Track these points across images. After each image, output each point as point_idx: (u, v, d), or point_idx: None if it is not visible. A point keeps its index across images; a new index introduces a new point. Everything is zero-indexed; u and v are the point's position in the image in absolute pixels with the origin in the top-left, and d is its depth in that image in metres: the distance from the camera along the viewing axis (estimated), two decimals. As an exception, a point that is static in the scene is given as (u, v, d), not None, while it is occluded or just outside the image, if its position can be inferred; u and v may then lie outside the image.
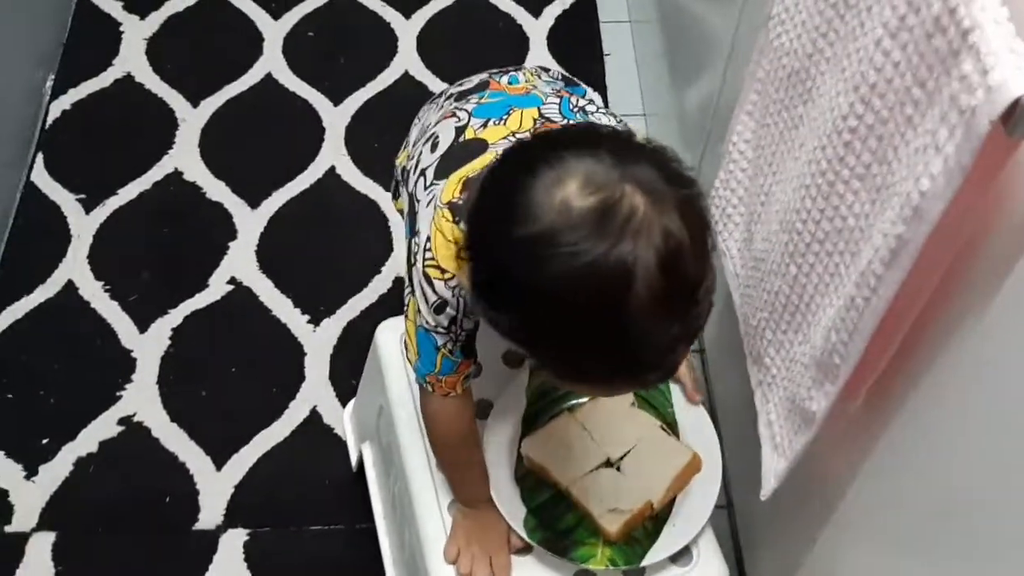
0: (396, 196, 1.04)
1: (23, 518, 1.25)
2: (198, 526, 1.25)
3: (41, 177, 1.53)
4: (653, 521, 0.94)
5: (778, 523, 1.05)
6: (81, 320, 1.40)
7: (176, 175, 1.55)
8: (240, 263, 1.46)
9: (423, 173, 0.85)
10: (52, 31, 1.68)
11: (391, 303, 1.42)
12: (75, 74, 1.65)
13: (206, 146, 1.58)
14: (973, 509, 0.64)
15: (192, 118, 1.61)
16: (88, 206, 1.51)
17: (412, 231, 0.84)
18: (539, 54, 1.70)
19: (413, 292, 0.82)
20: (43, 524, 1.24)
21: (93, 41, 1.69)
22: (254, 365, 1.38)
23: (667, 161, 0.67)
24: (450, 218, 0.78)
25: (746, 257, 0.91)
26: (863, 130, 0.66)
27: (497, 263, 0.68)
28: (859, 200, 0.69)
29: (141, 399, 1.34)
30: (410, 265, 0.82)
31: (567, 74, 1.02)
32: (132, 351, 1.38)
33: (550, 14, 1.76)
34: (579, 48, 1.71)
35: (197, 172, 1.55)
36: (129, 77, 1.65)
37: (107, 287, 1.43)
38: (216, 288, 1.44)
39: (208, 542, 1.24)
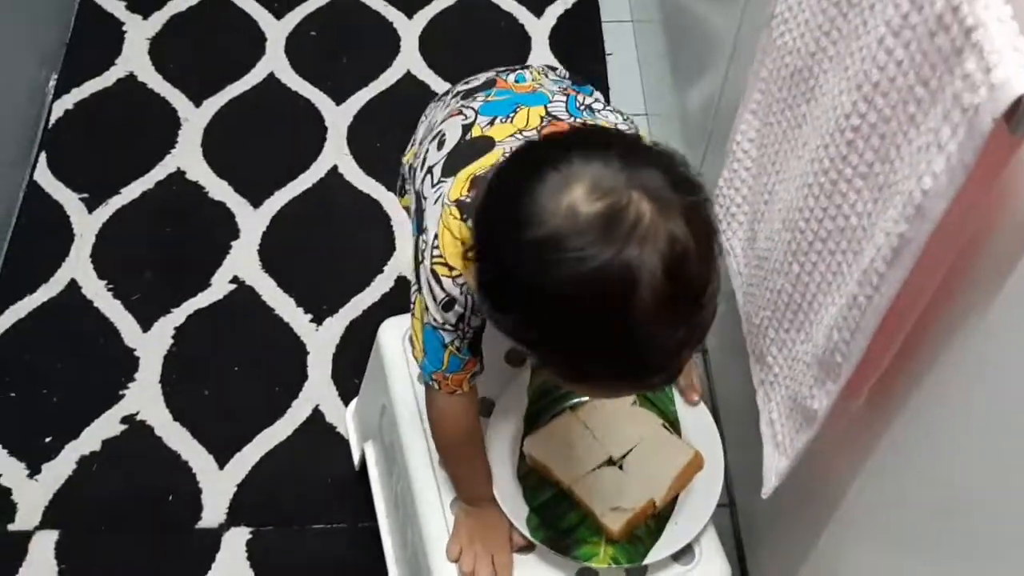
0: (402, 193, 1.04)
1: (26, 516, 1.25)
2: (201, 524, 1.25)
3: (44, 176, 1.54)
4: (655, 519, 0.94)
5: (780, 522, 1.05)
6: (84, 319, 1.40)
7: (179, 174, 1.55)
8: (243, 262, 1.46)
9: (430, 171, 0.85)
10: (55, 31, 1.68)
11: (393, 302, 1.42)
12: (78, 73, 1.65)
13: (209, 145, 1.58)
14: (975, 508, 0.64)
15: (195, 117, 1.61)
16: (91, 205, 1.51)
17: (419, 229, 0.84)
18: (541, 54, 1.71)
19: (420, 290, 0.82)
20: (46, 522, 1.25)
21: (96, 41, 1.69)
22: (257, 364, 1.38)
23: (674, 165, 0.67)
24: (458, 216, 0.78)
25: (749, 256, 0.91)
26: (866, 128, 0.66)
27: (503, 265, 0.68)
28: (862, 199, 0.69)
29: (144, 398, 1.34)
30: (417, 263, 0.82)
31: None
32: (135, 350, 1.38)
33: (552, 14, 1.76)
34: (581, 48, 1.71)
35: (200, 171, 1.55)
36: (132, 77, 1.65)
37: (110, 286, 1.43)
38: (219, 287, 1.44)
39: (211, 541, 1.24)
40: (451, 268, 0.78)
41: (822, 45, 0.74)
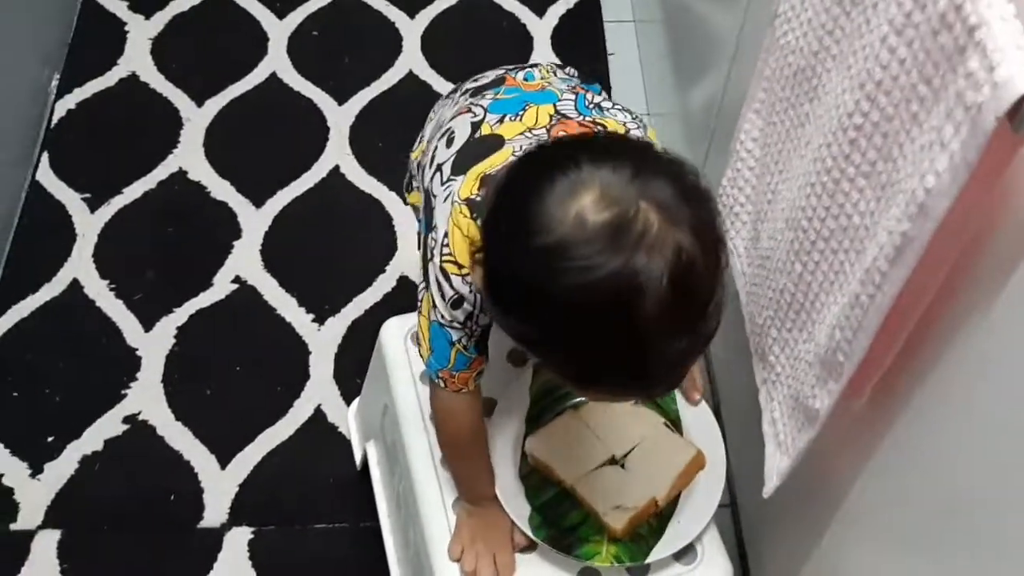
0: (409, 190, 1.04)
1: (28, 516, 1.25)
2: (203, 524, 1.25)
3: (46, 176, 1.54)
4: (657, 518, 0.94)
5: (783, 521, 1.05)
6: (86, 319, 1.40)
7: (181, 174, 1.55)
8: (245, 262, 1.46)
9: (439, 169, 0.85)
10: (57, 31, 1.68)
11: (395, 302, 1.42)
12: (80, 73, 1.65)
13: (211, 145, 1.58)
14: (978, 507, 0.64)
15: (197, 117, 1.61)
16: (93, 205, 1.51)
17: (428, 227, 0.84)
18: (543, 54, 1.71)
19: (428, 287, 0.82)
20: (48, 522, 1.25)
21: (98, 41, 1.69)
22: (259, 364, 1.38)
23: (684, 175, 0.67)
24: (467, 214, 0.78)
25: (752, 255, 0.91)
26: (869, 127, 0.66)
27: (510, 269, 0.69)
28: (864, 198, 0.69)
29: (146, 397, 1.34)
30: (426, 260, 0.82)
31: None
32: (137, 350, 1.38)
33: (554, 13, 1.76)
34: (583, 48, 1.71)
35: (202, 171, 1.55)
36: (134, 76, 1.65)
37: (112, 286, 1.44)
38: (221, 287, 1.44)
39: (213, 540, 1.24)
40: (460, 266, 0.79)
41: (825, 44, 0.74)
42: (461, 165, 0.83)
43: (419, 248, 1.45)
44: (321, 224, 1.51)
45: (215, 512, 1.26)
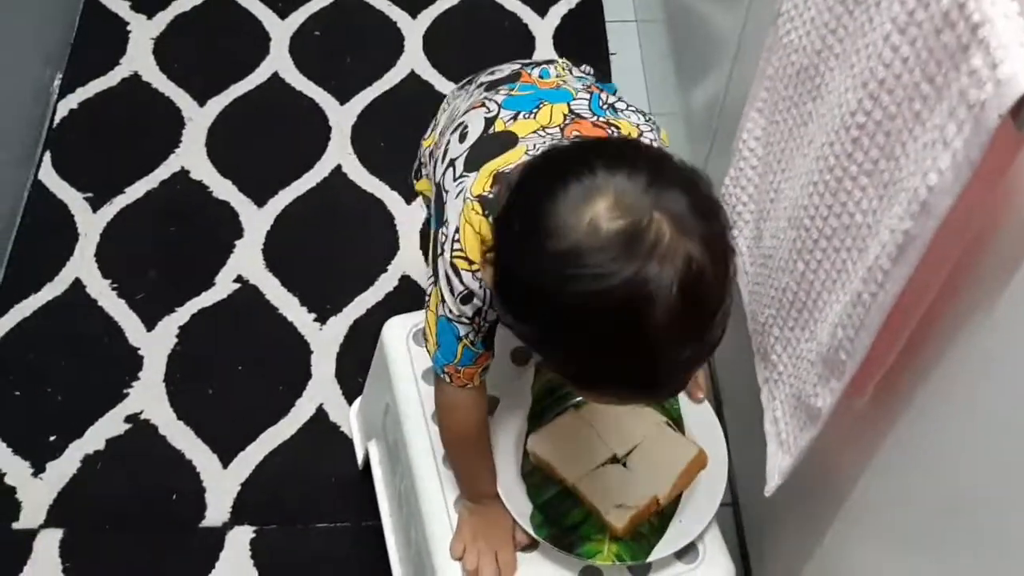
0: (418, 177, 1.04)
1: (31, 515, 1.25)
2: (205, 523, 1.26)
3: (49, 176, 1.54)
4: (659, 517, 0.94)
5: (784, 520, 1.05)
6: (88, 318, 1.41)
7: (183, 174, 1.55)
8: (247, 261, 1.47)
9: (452, 164, 0.85)
10: (60, 30, 1.68)
11: (397, 301, 1.42)
12: (82, 73, 1.65)
13: (213, 145, 1.58)
14: (981, 505, 0.65)
15: (199, 117, 1.61)
16: (95, 205, 1.51)
17: (439, 222, 0.84)
18: (545, 54, 1.71)
19: (437, 282, 0.82)
20: (50, 521, 1.25)
21: (101, 40, 1.70)
22: (261, 363, 1.38)
23: (698, 186, 0.68)
24: (480, 211, 0.78)
25: (755, 254, 0.91)
26: (871, 126, 0.66)
27: (521, 271, 0.69)
28: (867, 196, 0.69)
29: (148, 397, 1.34)
30: (436, 255, 0.83)
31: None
32: (139, 349, 1.38)
33: (556, 13, 1.76)
34: (585, 48, 1.71)
35: (204, 171, 1.56)
36: (136, 76, 1.66)
37: (114, 285, 1.44)
38: (223, 286, 1.44)
39: (215, 539, 1.24)
40: (471, 262, 0.79)
41: (828, 43, 0.74)
42: (474, 161, 0.83)
43: (421, 247, 1.47)
44: (323, 224, 1.51)
45: (217, 511, 1.26)
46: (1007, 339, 0.60)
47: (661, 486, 0.93)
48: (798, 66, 0.79)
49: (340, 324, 1.41)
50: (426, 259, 1.45)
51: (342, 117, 1.62)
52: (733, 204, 0.95)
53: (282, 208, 1.52)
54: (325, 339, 1.40)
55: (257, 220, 1.51)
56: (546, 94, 0.88)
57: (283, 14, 1.74)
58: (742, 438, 1.08)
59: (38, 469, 1.28)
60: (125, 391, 1.35)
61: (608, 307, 0.64)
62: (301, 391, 1.35)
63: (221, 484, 1.28)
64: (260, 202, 1.53)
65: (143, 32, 1.71)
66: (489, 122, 0.86)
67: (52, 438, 1.31)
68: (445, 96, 1.05)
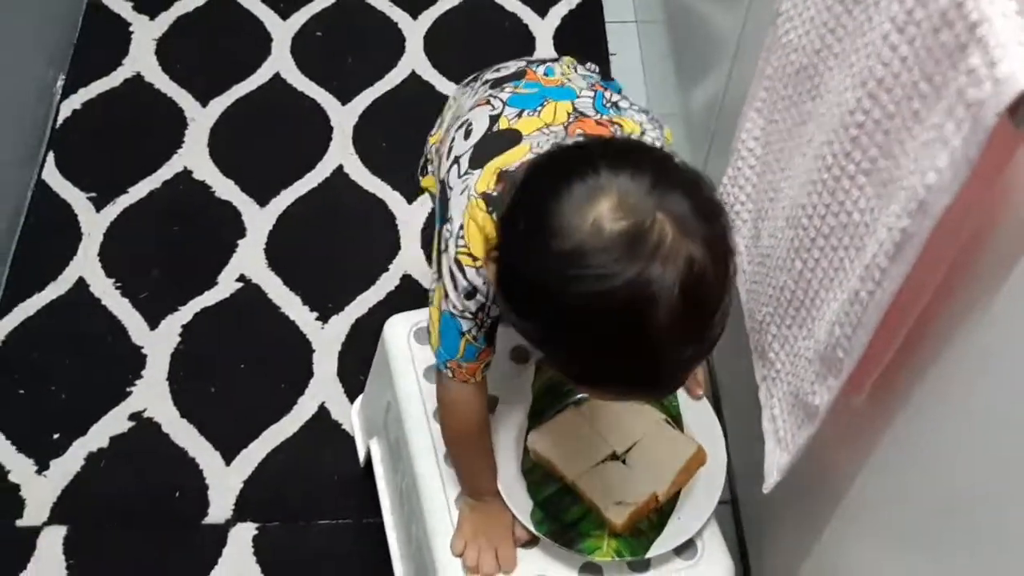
0: (424, 173, 1.05)
1: (34, 512, 1.26)
2: (207, 520, 1.26)
3: (52, 176, 1.54)
4: (658, 514, 0.94)
5: (783, 517, 1.05)
6: (92, 317, 1.41)
7: (185, 174, 1.56)
8: (249, 261, 1.47)
9: (457, 161, 0.85)
10: (63, 31, 1.69)
11: (399, 300, 1.43)
12: (85, 74, 1.66)
13: (215, 145, 1.59)
14: (978, 503, 0.65)
15: (201, 117, 1.62)
16: (99, 204, 1.52)
17: (443, 218, 0.84)
18: (545, 54, 1.71)
19: (441, 278, 0.83)
20: (54, 518, 1.25)
21: (103, 41, 1.70)
22: (263, 362, 1.39)
23: (700, 189, 0.69)
24: (484, 208, 0.79)
25: (753, 253, 0.92)
26: (870, 125, 0.67)
27: (524, 270, 0.70)
28: (865, 195, 0.69)
29: (151, 395, 1.35)
30: (440, 252, 0.83)
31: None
32: (142, 348, 1.39)
33: (556, 14, 1.77)
34: (585, 48, 1.72)
35: (206, 171, 1.56)
36: (139, 77, 1.66)
37: (117, 284, 1.44)
38: (225, 285, 1.45)
39: (217, 536, 1.25)
40: (475, 258, 0.80)
41: (827, 42, 0.75)
42: (479, 159, 0.83)
43: (422, 247, 1.47)
44: (325, 223, 1.52)
45: (220, 508, 1.27)
46: (1004, 337, 0.61)
47: (660, 483, 0.94)
48: (797, 65, 0.80)
49: (342, 323, 1.42)
50: (428, 259, 1.45)
51: (344, 117, 1.63)
52: (731, 203, 0.96)
53: (284, 208, 1.53)
54: (327, 338, 1.40)
55: (259, 220, 1.51)
56: (550, 92, 0.89)
57: (285, 15, 1.75)
58: (741, 435, 1.08)
59: (42, 467, 1.29)
60: (128, 389, 1.35)
61: (610, 307, 0.65)
62: (303, 389, 1.36)
63: (224, 481, 1.29)
64: (262, 202, 1.53)
65: (145, 33, 1.71)
66: (494, 119, 0.87)
67: (56, 436, 1.31)
68: (446, 96, 1.06)
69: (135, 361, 1.37)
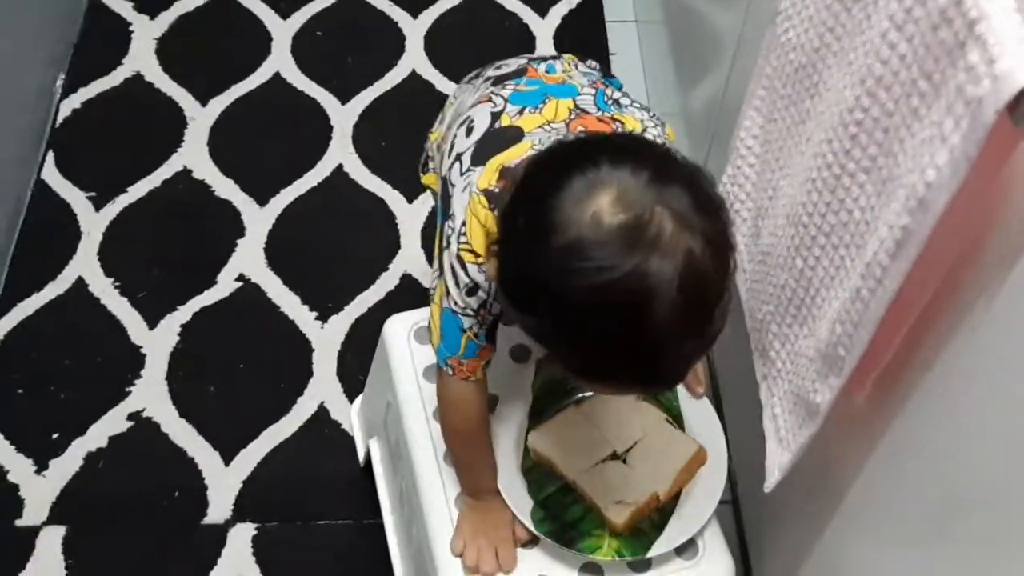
0: (425, 171, 1.05)
1: (33, 512, 1.26)
2: (207, 520, 1.26)
3: (52, 175, 1.54)
4: (659, 513, 0.94)
5: (784, 516, 1.05)
6: (91, 316, 1.41)
7: (185, 173, 1.56)
8: (248, 260, 1.47)
9: (459, 158, 0.86)
10: (63, 31, 1.69)
11: (399, 300, 1.42)
12: (85, 73, 1.66)
13: (215, 144, 1.59)
14: (980, 500, 0.65)
15: (201, 117, 1.62)
16: (98, 204, 1.52)
17: (445, 215, 0.84)
18: (546, 53, 1.71)
19: (442, 275, 0.83)
20: (53, 518, 1.25)
21: (103, 40, 1.70)
22: (262, 361, 1.38)
23: (700, 183, 0.69)
24: (486, 204, 0.79)
25: (753, 252, 0.92)
26: (869, 123, 0.67)
27: (524, 264, 0.70)
28: (865, 193, 0.69)
29: (150, 395, 1.35)
30: (441, 248, 0.83)
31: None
32: (141, 347, 1.39)
33: (556, 13, 1.77)
34: (585, 47, 1.72)
35: (206, 170, 1.56)
36: (139, 76, 1.66)
37: (117, 284, 1.44)
38: (225, 285, 1.45)
39: (217, 536, 1.25)
40: (477, 255, 0.80)
41: (826, 41, 0.75)
42: (480, 156, 0.83)
43: (422, 246, 1.47)
44: (324, 223, 1.52)
45: (219, 508, 1.27)
46: (1006, 334, 0.60)
47: (661, 482, 0.94)
48: (796, 64, 0.80)
49: (341, 322, 1.41)
50: (429, 258, 1.45)
51: (344, 117, 1.63)
52: (731, 202, 0.96)
53: (284, 207, 1.52)
54: (326, 337, 1.40)
55: (259, 219, 1.51)
56: (552, 89, 0.89)
57: (285, 14, 1.75)
58: (742, 435, 1.08)
59: (41, 467, 1.29)
60: (127, 389, 1.35)
61: (610, 300, 0.65)
62: (303, 389, 1.36)
63: (223, 481, 1.29)
64: (262, 201, 1.53)
65: (146, 32, 1.71)
66: (495, 116, 0.87)
67: (55, 436, 1.31)
68: (447, 95, 1.06)
69: (134, 361, 1.37)
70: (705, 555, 0.94)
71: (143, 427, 1.32)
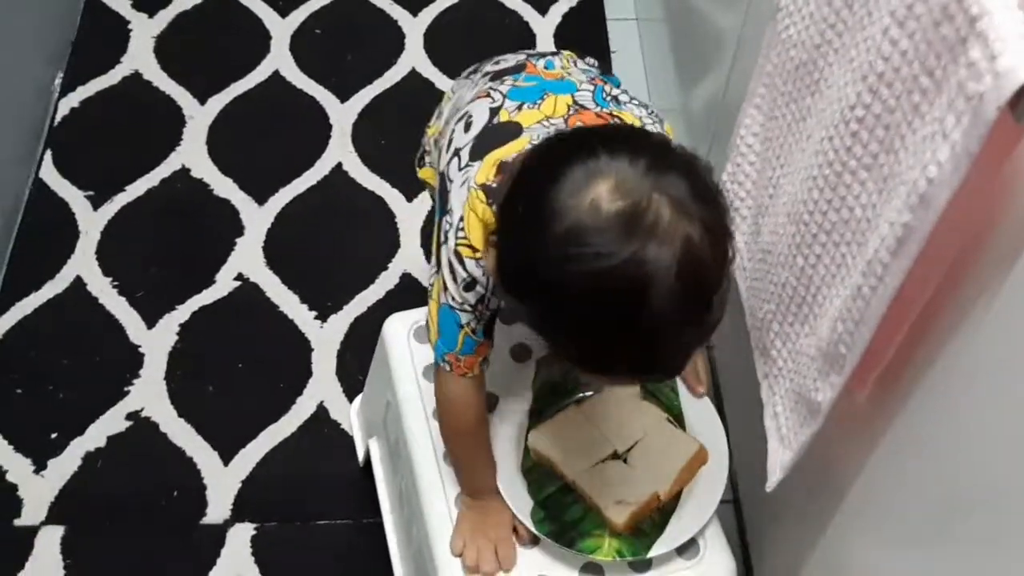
0: (421, 165, 1.05)
1: (32, 512, 1.25)
2: (206, 520, 1.26)
3: (50, 174, 1.54)
4: (660, 513, 0.94)
5: (785, 515, 1.05)
6: (89, 316, 1.41)
7: (184, 172, 1.55)
8: (247, 259, 1.47)
9: (457, 153, 0.85)
10: (61, 29, 1.68)
11: (398, 299, 1.42)
12: (84, 72, 1.65)
13: (213, 143, 1.58)
14: (981, 499, 0.64)
15: (200, 115, 1.61)
16: (96, 203, 1.51)
17: (443, 210, 0.84)
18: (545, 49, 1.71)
19: (440, 270, 0.83)
20: (52, 518, 1.25)
21: (102, 39, 1.70)
22: (261, 361, 1.38)
23: (698, 171, 0.69)
24: (484, 199, 0.79)
25: (753, 250, 0.91)
26: (870, 120, 0.67)
27: (522, 253, 0.70)
28: (866, 190, 0.69)
29: (149, 394, 1.35)
30: (439, 244, 0.83)
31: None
32: (140, 347, 1.38)
33: (557, 11, 1.76)
34: (586, 45, 1.70)
35: (204, 169, 1.56)
36: (137, 75, 1.66)
37: (115, 283, 1.44)
38: (223, 284, 1.44)
39: (216, 536, 1.24)
40: (475, 250, 0.80)
41: (827, 38, 0.74)
42: (479, 151, 0.83)
43: (421, 245, 1.47)
44: (323, 221, 1.51)
45: (218, 508, 1.26)
46: (1007, 331, 0.60)
47: (662, 482, 0.93)
48: (797, 61, 0.79)
49: (341, 322, 1.41)
50: (428, 257, 1.45)
51: (343, 115, 1.62)
52: (731, 199, 0.95)
53: (283, 206, 1.52)
54: (326, 337, 1.40)
55: (258, 218, 1.51)
56: (551, 85, 0.89)
57: (284, 12, 1.74)
58: (743, 434, 1.08)
59: (39, 466, 1.29)
60: (126, 389, 1.35)
61: (608, 287, 0.65)
62: (302, 389, 1.36)
63: (222, 481, 1.28)
64: (261, 200, 1.53)
65: (144, 30, 1.71)
66: (494, 112, 0.86)
67: (53, 435, 1.31)
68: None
69: (132, 360, 1.37)
70: (706, 555, 0.94)
71: (142, 427, 1.32)
